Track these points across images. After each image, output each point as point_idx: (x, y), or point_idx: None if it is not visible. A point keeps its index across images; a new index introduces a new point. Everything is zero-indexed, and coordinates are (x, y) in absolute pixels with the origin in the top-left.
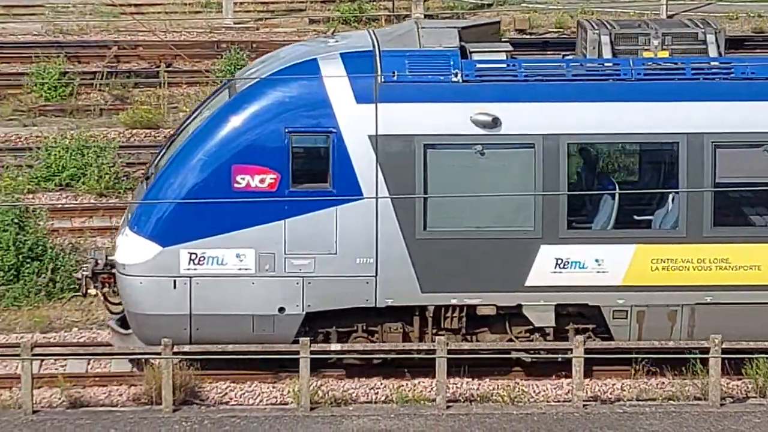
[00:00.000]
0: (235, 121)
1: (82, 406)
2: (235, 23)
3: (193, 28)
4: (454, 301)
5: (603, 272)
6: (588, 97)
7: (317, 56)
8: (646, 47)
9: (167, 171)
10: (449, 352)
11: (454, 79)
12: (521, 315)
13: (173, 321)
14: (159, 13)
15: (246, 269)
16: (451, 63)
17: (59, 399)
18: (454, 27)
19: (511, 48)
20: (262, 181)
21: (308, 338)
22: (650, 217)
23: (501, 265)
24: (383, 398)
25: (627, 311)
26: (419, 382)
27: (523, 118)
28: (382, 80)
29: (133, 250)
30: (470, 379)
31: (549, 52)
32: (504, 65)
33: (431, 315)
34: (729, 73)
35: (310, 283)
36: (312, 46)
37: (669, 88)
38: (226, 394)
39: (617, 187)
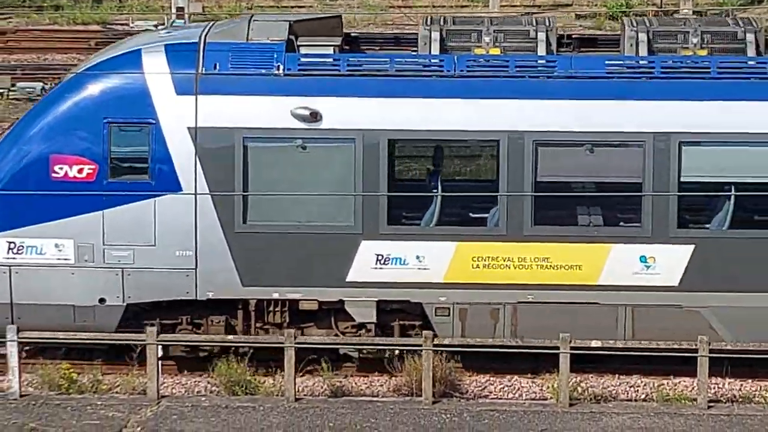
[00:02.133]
0: (54, 111)
1: (344, 395)
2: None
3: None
4: (275, 296)
5: (424, 269)
6: (410, 93)
7: (141, 47)
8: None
9: None
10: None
11: (276, 73)
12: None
13: None
14: (426, 6)
15: (65, 259)
16: (274, 56)
17: (322, 387)
18: (286, 20)
19: (339, 42)
20: (80, 171)
21: (568, 335)
22: (472, 214)
23: (322, 261)
24: (643, 396)
25: (449, 309)
26: (680, 381)
27: (343, 112)
28: (203, 72)
29: None
30: (732, 380)
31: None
32: (327, 59)
33: (253, 309)
34: (553, 70)
35: (129, 274)
36: (144, 37)
37: (492, 86)
38: (485, 387)
39: (439, 184)
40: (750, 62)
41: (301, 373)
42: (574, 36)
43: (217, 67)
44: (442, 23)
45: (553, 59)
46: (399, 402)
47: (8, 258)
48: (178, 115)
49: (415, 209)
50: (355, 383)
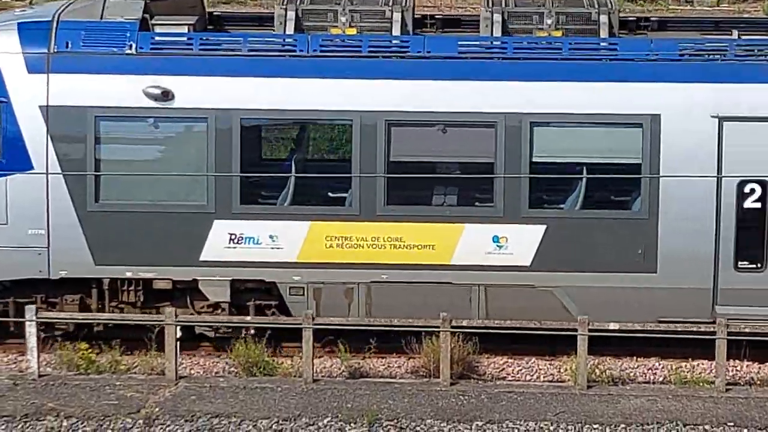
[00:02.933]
0: None
1: (362, 376)
2: None
3: None
4: (128, 275)
5: (278, 248)
6: (263, 72)
7: None
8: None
9: None
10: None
11: (129, 51)
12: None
13: None
14: None
15: None
16: (127, 35)
17: (339, 369)
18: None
19: (193, 21)
20: None
21: (586, 317)
22: (326, 194)
23: (175, 240)
24: (661, 379)
25: (303, 288)
26: (698, 364)
27: (196, 91)
28: (55, 51)
29: None
30: (750, 363)
31: None
32: (180, 38)
33: (107, 287)
34: (406, 50)
35: None
36: (7, 15)
37: (345, 66)
38: (503, 369)
39: (293, 164)
40: (602, 43)
41: (319, 355)
42: (436, 16)
43: (69, 45)
44: (298, 3)
45: (407, 39)
46: (417, 383)
47: None
48: (29, 94)
49: (268, 189)
50: (373, 365)
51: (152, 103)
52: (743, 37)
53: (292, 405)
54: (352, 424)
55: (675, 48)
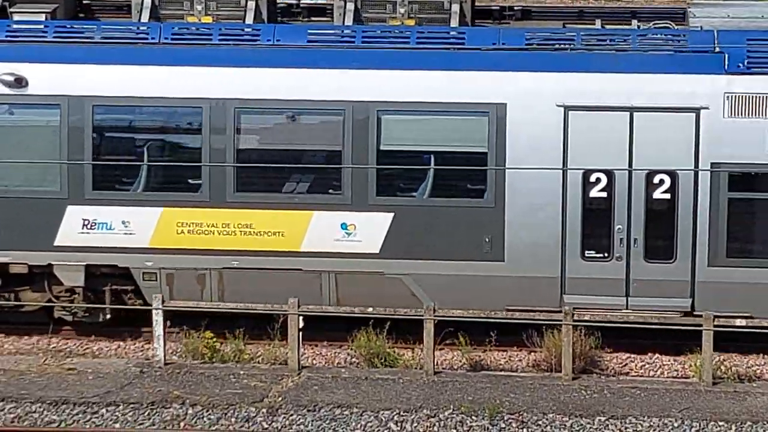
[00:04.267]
0: None
1: (482, 369)
2: None
3: None
4: None
5: (130, 234)
6: (115, 59)
7: None
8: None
9: None
10: None
11: None
12: None
13: None
14: None
15: None
16: None
17: (460, 362)
18: None
19: (51, 9)
20: None
21: (712, 313)
22: (177, 181)
23: (30, 225)
24: None
25: (156, 273)
26: None
27: (49, 79)
28: None
29: None
30: None
31: None
32: (34, 26)
33: None
34: (256, 39)
35: None
36: None
37: (196, 54)
38: (626, 364)
39: (146, 150)
40: (451, 32)
41: (439, 346)
42: (302, 5)
43: None
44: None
45: (258, 28)
46: (538, 377)
47: None
48: None
49: (121, 175)
50: (494, 358)
51: (6, 90)
52: (606, 27)
53: (413, 397)
54: (473, 417)
55: (522, 38)
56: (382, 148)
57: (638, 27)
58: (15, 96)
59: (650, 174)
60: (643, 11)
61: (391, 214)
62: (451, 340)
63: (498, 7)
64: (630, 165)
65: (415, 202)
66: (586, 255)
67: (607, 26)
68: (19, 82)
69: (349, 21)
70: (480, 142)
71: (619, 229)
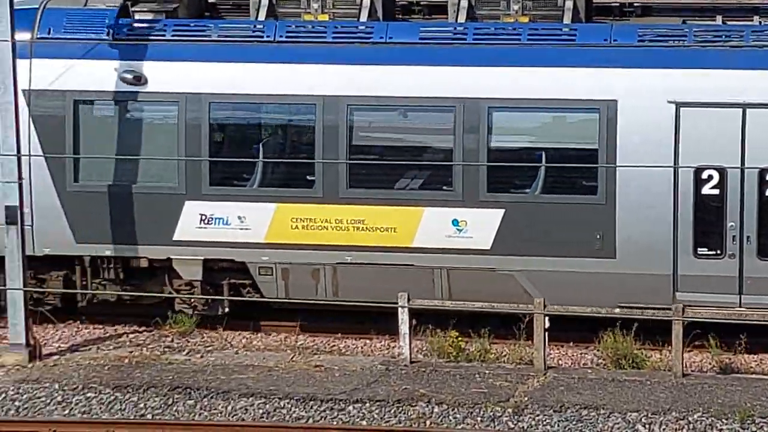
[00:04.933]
0: None
1: (732, 372)
2: None
3: None
4: (107, 253)
5: (246, 229)
6: (231, 57)
7: None
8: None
9: None
10: None
11: (105, 38)
12: None
13: None
14: None
15: None
16: (105, 21)
17: (710, 364)
18: None
19: (172, 8)
20: None
21: None
22: (292, 177)
23: (150, 220)
24: None
25: (272, 268)
26: None
27: (168, 76)
28: (38, 37)
29: None
30: None
31: None
32: (153, 25)
33: (88, 265)
34: (370, 36)
35: None
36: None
37: (310, 52)
38: None
39: (261, 147)
40: (563, 29)
41: (688, 348)
42: (422, 3)
43: (51, 31)
44: None
45: (371, 26)
46: None
47: None
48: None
49: (237, 171)
50: (744, 360)
51: (127, 88)
52: (726, 23)
53: (662, 399)
54: (723, 420)
55: (634, 34)
56: (492, 144)
57: (759, 23)
58: (135, 93)
59: (763, 171)
60: (765, 7)
61: (502, 211)
62: (700, 341)
63: (618, 4)
64: (742, 162)
65: (526, 199)
66: (699, 252)
67: (728, 22)
68: (139, 79)
69: (462, 18)
70: (591, 138)
71: (731, 226)
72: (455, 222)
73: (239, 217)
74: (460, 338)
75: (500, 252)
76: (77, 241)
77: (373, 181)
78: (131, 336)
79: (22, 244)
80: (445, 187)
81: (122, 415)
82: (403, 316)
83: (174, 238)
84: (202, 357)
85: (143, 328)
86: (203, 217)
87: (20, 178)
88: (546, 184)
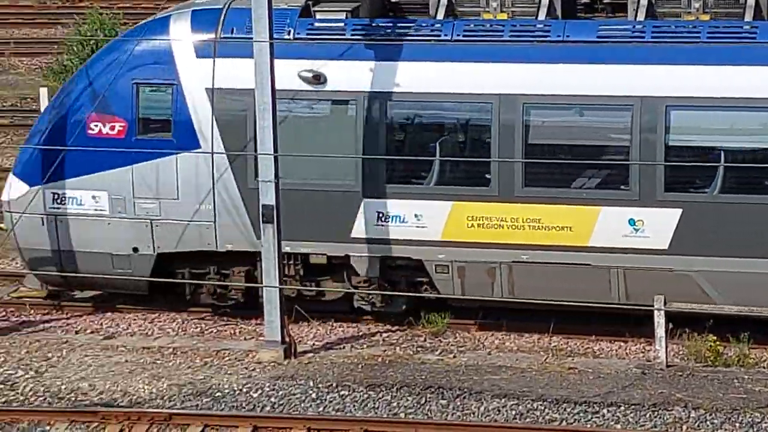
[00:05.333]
0: (92, 73)
1: None
2: None
3: None
4: (287, 249)
5: (423, 227)
6: (409, 57)
7: (172, 12)
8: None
9: (40, 118)
10: None
11: (287, 37)
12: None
13: (45, 255)
14: None
15: (101, 210)
16: (287, 21)
17: None
18: None
19: (351, 8)
20: (112, 128)
21: None
22: (467, 175)
23: (329, 217)
24: None
25: (448, 266)
26: None
27: (346, 76)
28: (221, 37)
29: (11, 188)
30: None
31: None
32: (334, 25)
33: None
34: (547, 35)
35: (158, 226)
36: (188, 3)
37: (486, 50)
38: None
39: (438, 145)
40: (744, 27)
41: None
42: (605, 1)
43: (234, 31)
44: None
45: (549, 24)
46: None
47: (53, 208)
48: (197, 77)
49: (413, 169)
50: None
51: (306, 87)
52: None
53: None
54: None
55: None
56: (670, 143)
57: None
58: (314, 92)
59: None
60: None
61: (680, 210)
62: None
63: None
64: None
65: (705, 199)
66: None
67: None
68: (318, 78)
69: (642, 16)
70: None
71: None
72: (632, 221)
73: (416, 215)
74: (718, 342)
75: (678, 252)
76: (258, 238)
77: (549, 180)
78: (384, 335)
79: (278, 243)
80: (621, 187)
81: (375, 413)
82: (659, 320)
83: (352, 236)
84: (454, 357)
85: (396, 328)
86: (380, 215)
87: (276, 177)
88: (725, 183)
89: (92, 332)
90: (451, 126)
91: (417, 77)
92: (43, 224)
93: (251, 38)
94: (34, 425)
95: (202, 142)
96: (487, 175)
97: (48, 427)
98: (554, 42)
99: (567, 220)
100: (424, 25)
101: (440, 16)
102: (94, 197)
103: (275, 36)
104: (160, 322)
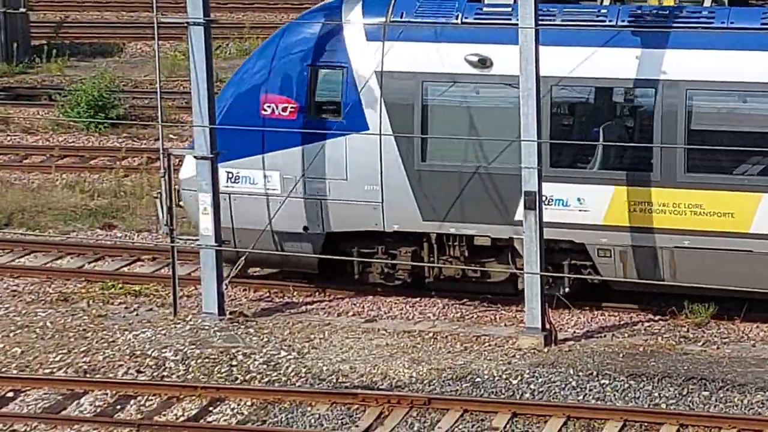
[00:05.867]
0: (267, 55)
1: None
2: None
3: None
4: (452, 231)
5: (585, 211)
6: (572, 41)
7: None
8: None
9: (219, 97)
10: None
11: (454, 21)
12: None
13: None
14: None
15: (273, 189)
16: (456, 6)
17: None
18: None
19: None
20: (284, 109)
21: None
22: (630, 160)
23: (492, 199)
24: None
25: (610, 250)
26: None
27: (513, 60)
28: (391, 20)
29: (186, 166)
30: None
31: None
32: (501, 9)
33: (434, 242)
34: (711, 22)
35: (327, 205)
36: None
37: (651, 36)
38: None
39: (601, 130)
40: None
41: None
42: None
43: (404, 15)
44: None
45: (713, 11)
46: None
47: (228, 186)
48: (367, 60)
49: (575, 153)
50: None
51: (472, 70)
52: None
53: None
54: None
55: None
56: None
57: None
58: (480, 76)
59: None
60: None
61: None
62: None
63: None
64: None
65: None
66: None
67: None
68: (484, 62)
69: None
70: None
71: None
72: None
73: (578, 199)
74: None
75: None
76: (424, 219)
77: (710, 167)
78: (646, 324)
79: (540, 229)
80: None
81: (636, 403)
82: None
83: (516, 218)
84: (717, 348)
85: (658, 318)
86: (543, 198)
87: (539, 164)
88: None
89: (353, 315)
90: (614, 111)
91: (581, 62)
92: None
93: (419, 22)
94: (295, 406)
95: (370, 124)
96: (650, 161)
97: (309, 408)
98: (718, 28)
99: (728, 207)
100: (590, 10)
101: (607, 2)
102: (266, 176)
103: (444, 20)
104: (421, 306)
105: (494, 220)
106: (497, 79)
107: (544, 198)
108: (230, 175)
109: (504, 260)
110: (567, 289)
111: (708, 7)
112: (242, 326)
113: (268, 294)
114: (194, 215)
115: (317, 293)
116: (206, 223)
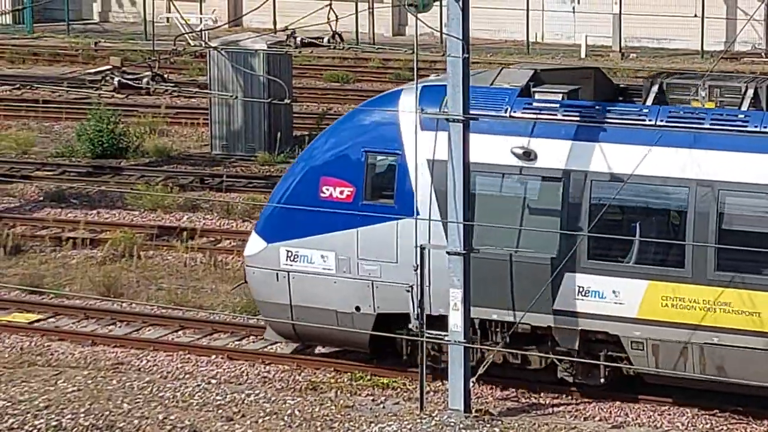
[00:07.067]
0: (329, 139)
1: None
2: None
3: None
4: (494, 317)
5: (620, 303)
6: (613, 139)
7: (405, 87)
8: (694, 98)
9: (282, 179)
10: None
11: (503, 114)
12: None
13: (278, 309)
14: None
15: (328, 269)
16: (506, 100)
17: None
18: (532, 69)
19: (568, 90)
20: (341, 192)
21: None
22: (663, 256)
23: (531, 288)
24: None
25: (643, 343)
26: None
27: (555, 154)
28: (444, 111)
29: (251, 244)
30: None
31: None
32: (546, 105)
33: (478, 327)
34: (746, 126)
35: (378, 286)
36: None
37: (687, 137)
38: None
39: (638, 226)
40: None
41: None
42: None
43: None
44: (664, 78)
45: (748, 115)
46: None
47: (287, 264)
48: (420, 149)
49: (612, 246)
50: None
51: (517, 162)
52: None
53: None
54: None
55: None
56: None
57: None
58: (524, 168)
59: None
60: None
61: None
62: None
63: None
64: None
65: None
66: None
67: None
68: (528, 155)
69: None
70: None
71: None
72: None
73: (614, 292)
74: None
75: None
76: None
77: (740, 266)
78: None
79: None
80: None
81: None
82: None
83: (554, 307)
84: None
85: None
86: (581, 289)
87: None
88: None
89: (600, 420)
90: (650, 208)
91: (620, 159)
92: (277, 279)
93: (473, 114)
94: None
95: (420, 209)
96: (682, 257)
97: None
98: (751, 132)
99: (756, 306)
100: (631, 109)
101: (649, 102)
102: (322, 256)
103: (494, 113)
104: (670, 415)
105: (533, 308)
106: (540, 171)
107: (581, 289)
108: (289, 254)
109: (544, 349)
110: (602, 380)
111: (743, 111)
112: (488, 425)
113: (514, 393)
114: (258, 293)
115: (564, 395)
116: (455, 319)
